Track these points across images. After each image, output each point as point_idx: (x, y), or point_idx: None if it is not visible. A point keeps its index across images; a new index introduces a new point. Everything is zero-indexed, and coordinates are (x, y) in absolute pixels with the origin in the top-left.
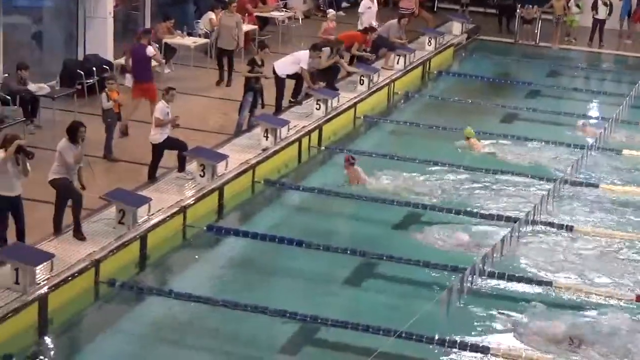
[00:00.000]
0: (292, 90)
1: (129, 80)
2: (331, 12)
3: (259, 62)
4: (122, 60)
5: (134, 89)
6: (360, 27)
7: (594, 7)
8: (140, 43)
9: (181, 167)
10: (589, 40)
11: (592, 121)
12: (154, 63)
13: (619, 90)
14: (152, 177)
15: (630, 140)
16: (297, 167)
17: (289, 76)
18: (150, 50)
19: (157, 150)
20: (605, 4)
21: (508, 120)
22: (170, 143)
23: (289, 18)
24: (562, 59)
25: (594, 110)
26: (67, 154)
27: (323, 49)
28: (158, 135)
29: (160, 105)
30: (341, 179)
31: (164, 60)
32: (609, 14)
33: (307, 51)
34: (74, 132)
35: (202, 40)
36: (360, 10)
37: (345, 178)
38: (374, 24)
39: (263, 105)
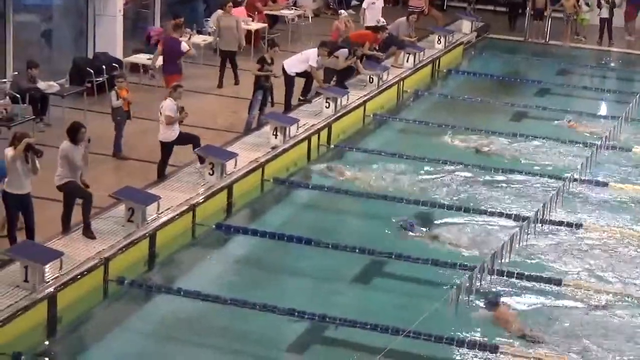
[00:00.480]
0: (302, 88)
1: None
2: (343, 13)
3: (269, 61)
4: (131, 58)
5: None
6: (367, 24)
7: (599, 5)
8: (174, 37)
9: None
10: (599, 39)
11: (605, 120)
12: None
13: (628, 88)
14: (161, 175)
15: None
16: (306, 165)
17: (298, 74)
18: (185, 45)
19: (168, 147)
20: (607, 1)
21: (517, 118)
22: (184, 138)
23: (299, 16)
24: (571, 57)
25: (603, 108)
26: (73, 155)
27: (341, 50)
28: (170, 133)
29: (169, 102)
30: (349, 176)
31: (195, 53)
32: (611, 12)
33: (316, 49)
34: (75, 133)
35: (212, 39)
36: (364, 5)
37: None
38: (382, 21)
39: (273, 104)
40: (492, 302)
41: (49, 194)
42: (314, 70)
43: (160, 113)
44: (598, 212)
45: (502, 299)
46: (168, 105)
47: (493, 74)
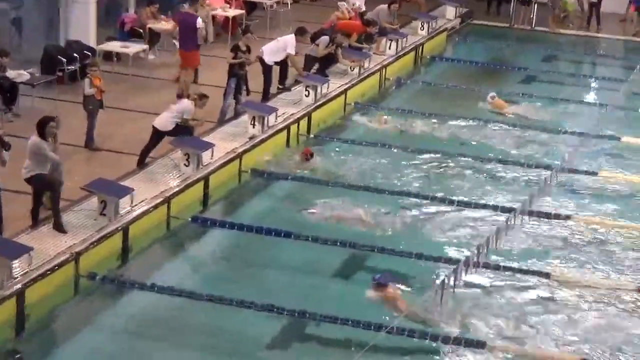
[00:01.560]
0: (278, 76)
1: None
2: (344, 4)
3: (243, 48)
4: (104, 46)
5: (181, 57)
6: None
7: None
8: (190, 12)
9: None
10: (586, 24)
11: (593, 107)
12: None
13: (617, 75)
14: (142, 162)
15: (628, 126)
16: (285, 155)
17: (276, 63)
18: (200, 22)
19: (160, 136)
20: None
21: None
22: (179, 130)
23: (278, 3)
24: (558, 43)
25: (591, 95)
26: (45, 150)
27: (322, 37)
28: (168, 123)
29: (191, 106)
30: (330, 167)
31: (205, 32)
32: None
33: (293, 35)
34: (43, 127)
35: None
36: None
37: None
38: (357, 4)
39: (248, 92)
40: (381, 283)
41: (18, 187)
42: (293, 58)
43: (176, 103)
44: (587, 203)
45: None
46: (189, 109)
47: (477, 61)
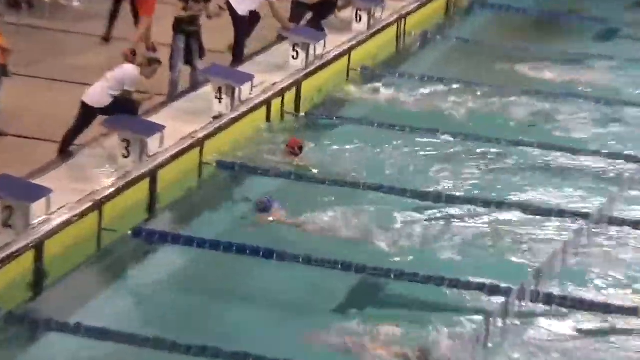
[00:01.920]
0: None
1: None
2: None
3: None
4: None
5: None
6: None
7: None
8: None
9: None
10: None
11: None
12: None
13: None
14: (65, 150)
15: None
16: (264, 141)
17: (251, 12)
18: None
19: (92, 114)
20: None
21: (570, 72)
22: (120, 106)
23: None
24: None
25: None
26: None
27: None
28: (103, 97)
29: (135, 73)
30: (327, 158)
31: None
32: None
33: None
34: None
35: None
36: None
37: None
38: None
39: (202, 54)
40: None
41: None
42: (274, 5)
43: (112, 70)
44: None
45: None
46: (132, 77)
47: (533, 9)
